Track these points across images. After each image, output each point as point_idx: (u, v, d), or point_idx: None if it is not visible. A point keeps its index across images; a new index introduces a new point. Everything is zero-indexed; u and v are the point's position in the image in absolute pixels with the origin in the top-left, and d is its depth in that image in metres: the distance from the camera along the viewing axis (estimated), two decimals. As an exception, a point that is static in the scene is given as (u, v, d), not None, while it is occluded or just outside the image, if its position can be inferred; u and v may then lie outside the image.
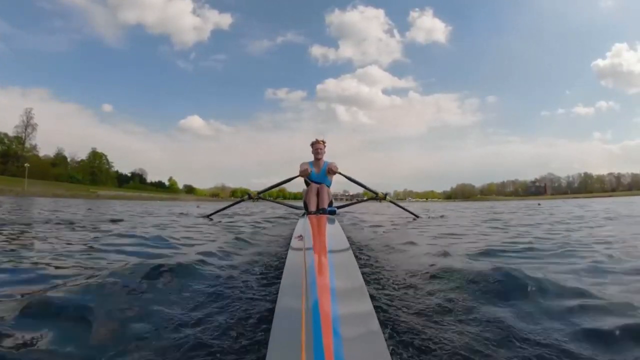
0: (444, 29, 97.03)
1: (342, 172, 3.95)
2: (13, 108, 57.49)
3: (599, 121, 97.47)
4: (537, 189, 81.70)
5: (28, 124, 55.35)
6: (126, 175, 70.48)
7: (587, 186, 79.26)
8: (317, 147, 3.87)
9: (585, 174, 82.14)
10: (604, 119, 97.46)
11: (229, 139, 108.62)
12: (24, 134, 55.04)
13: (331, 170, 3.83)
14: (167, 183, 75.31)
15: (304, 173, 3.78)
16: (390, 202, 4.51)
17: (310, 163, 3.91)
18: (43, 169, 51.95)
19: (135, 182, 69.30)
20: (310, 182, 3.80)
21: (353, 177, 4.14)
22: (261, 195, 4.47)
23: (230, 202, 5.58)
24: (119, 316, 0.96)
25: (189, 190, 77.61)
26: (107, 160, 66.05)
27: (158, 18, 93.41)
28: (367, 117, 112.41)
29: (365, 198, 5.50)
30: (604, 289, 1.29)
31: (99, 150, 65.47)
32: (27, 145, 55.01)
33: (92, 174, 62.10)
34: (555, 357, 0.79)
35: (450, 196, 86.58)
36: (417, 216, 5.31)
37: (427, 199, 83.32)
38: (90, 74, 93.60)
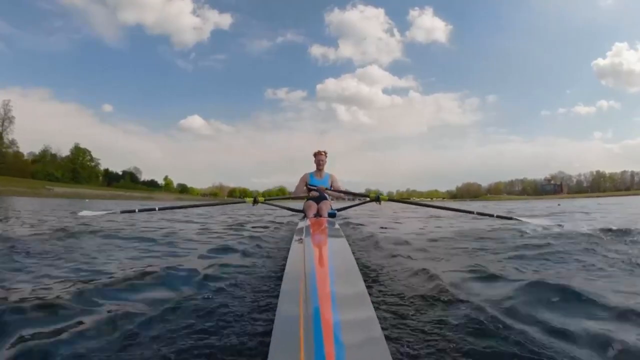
0: (444, 28, 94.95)
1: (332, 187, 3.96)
2: (13, 108, 53.69)
3: (599, 120, 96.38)
4: (553, 188, 78.16)
5: (5, 117, 50.80)
6: (117, 174, 66.89)
7: (599, 185, 76.03)
8: (319, 158, 3.90)
9: (598, 172, 79.00)
10: (605, 118, 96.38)
11: (229, 139, 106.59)
12: (1, 128, 50.42)
13: (332, 185, 3.87)
14: (162, 182, 71.33)
15: (308, 195, 3.79)
16: (389, 200, 4.44)
17: (311, 174, 3.95)
18: (19, 166, 48.21)
19: (126, 181, 65.17)
20: (312, 187, 3.74)
21: (344, 187, 4.16)
22: (267, 201, 4.39)
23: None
24: (107, 319, 0.95)
25: (183, 189, 73.57)
26: (91, 156, 61.72)
27: (158, 18, 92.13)
28: (367, 116, 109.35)
29: (367, 199, 5.58)
30: None
31: (97, 148, 62.25)
32: (5, 140, 50.38)
33: (74, 171, 57.53)
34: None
35: (455, 195, 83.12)
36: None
37: (431, 198, 79.52)
38: (90, 74, 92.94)
